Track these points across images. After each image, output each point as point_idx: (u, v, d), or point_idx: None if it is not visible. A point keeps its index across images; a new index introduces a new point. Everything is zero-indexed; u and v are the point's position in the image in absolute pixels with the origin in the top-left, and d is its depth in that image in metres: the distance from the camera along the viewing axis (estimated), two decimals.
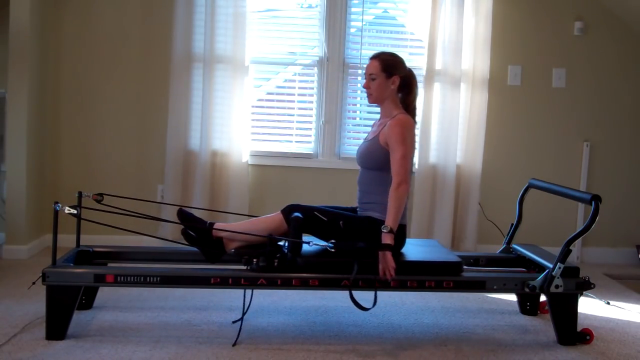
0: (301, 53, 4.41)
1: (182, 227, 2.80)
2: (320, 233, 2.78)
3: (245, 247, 2.79)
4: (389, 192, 2.72)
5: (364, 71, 4.30)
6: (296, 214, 2.73)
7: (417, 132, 4.32)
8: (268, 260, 2.67)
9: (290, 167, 4.37)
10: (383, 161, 2.79)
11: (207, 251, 2.80)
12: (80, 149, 4.25)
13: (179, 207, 2.87)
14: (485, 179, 4.38)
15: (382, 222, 2.75)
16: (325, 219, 2.75)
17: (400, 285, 2.71)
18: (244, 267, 2.71)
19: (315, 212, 2.76)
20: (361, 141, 4.36)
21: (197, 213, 4.03)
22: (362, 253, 2.67)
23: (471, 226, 4.34)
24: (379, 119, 2.97)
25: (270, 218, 2.81)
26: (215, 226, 2.80)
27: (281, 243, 2.80)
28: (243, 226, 2.81)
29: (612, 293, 3.69)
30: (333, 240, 2.65)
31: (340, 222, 2.76)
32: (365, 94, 2.92)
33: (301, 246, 2.71)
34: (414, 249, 2.96)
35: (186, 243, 2.82)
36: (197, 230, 2.79)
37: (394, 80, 2.84)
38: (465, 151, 4.35)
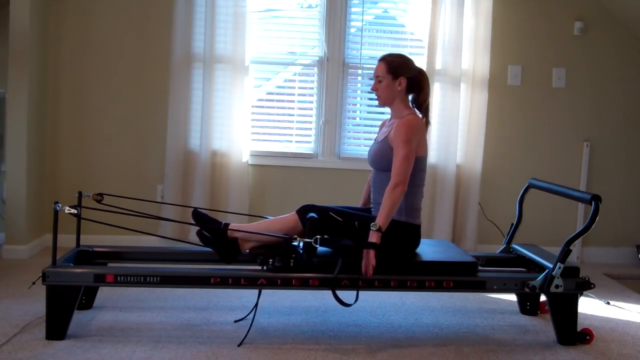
0: (301, 53, 4.41)
1: (196, 228, 2.81)
2: (335, 233, 2.76)
3: (261, 248, 2.79)
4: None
5: (364, 71, 4.37)
6: (311, 214, 2.73)
7: None
8: (284, 261, 2.67)
9: (290, 167, 4.37)
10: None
11: (222, 252, 2.80)
12: (80, 149, 4.25)
13: (193, 208, 2.86)
14: (485, 179, 4.38)
15: (397, 222, 2.76)
16: (341, 220, 2.75)
17: (400, 285, 2.71)
18: (260, 268, 2.70)
19: (331, 213, 2.76)
20: (361, 140, 4.44)
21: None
22: (347, 250, 2.66)
23: (471, 226, 4.34)
24: (390, 119, 2.97)
25: (286, 219, 2.81)
26: (230, 227, 2.80)
27: (295, 244, 2.80)
28: (258, 227, 2.81)
29: (612, 293, 3.69)
30: (318, 236, 2.63)
31: (356, 222, 2.75)
32: (375, 97, 2.92)
33: (317, 247, 2.71)
34: (428, 249, 2.97)
35: (201, 244, 2.82)
36: (212, 230, 2.79)
37: (400, 82, 2.84)
38: (465, 151, 4.36)
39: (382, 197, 2.80)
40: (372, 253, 2.61)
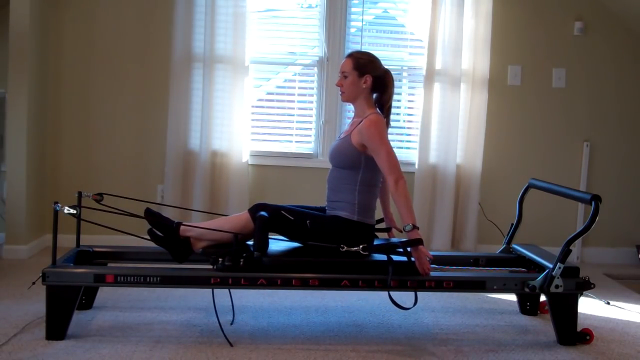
0: (301, 53, 4.41)
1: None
2: (287, 232, 2.79)
3: (213, 247, 2.78)
4: (356, 191, 2.75)
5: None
6: (262, 213, 2.72)
7: (417, 132, 4.34)
8: (234, 260, 2.66)
9: (290, 167, 4.37)
10: (353, 160, 2.78)
11: (174, 251, 2.78)
12: (80, 149, 4.25)
13: (146, 207, 2.84)
14: (485, 179, 4.38)
15: (350, 221, 2.77)
16: (292, 218, 2.74)
17: (400, 285, 2.71)
18: (212, 267, 2.69)
19: (282, 212, 2.75)
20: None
21: (199, 214, 4.06)
22: (395, 252, 2.70)
23: (471, 226, 4.34)
24: (353, 118, 2.97)
25: (237, 217, 2.80)
26: (182, 225, 2.79)
27: (249, 242, 2.79)
28: (210, 225, 2.80)
29: (612, 293, 3.69)
30: (365, 244, 2.68)
31: (308, 221, 2.75)
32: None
33: (267, 245, 2.70)
34: None
35: (152, 241, 2.79)
36: (164, 229, 2.77)
37: (365, 80, 2.83)
38: (465, 151, 4.36)
39: (337, 195, 2.83)
40: (422, 248, 2.65)
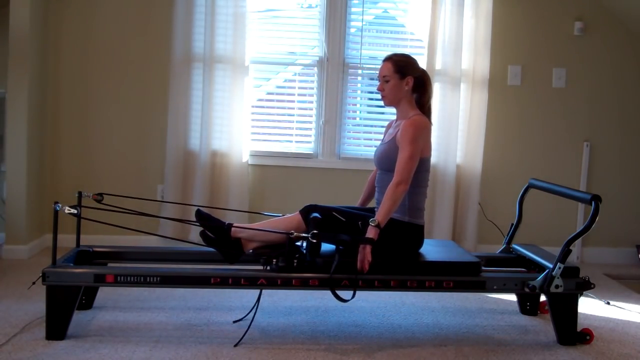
0: (301, 53, 4.40)
1: (199, 228, 2.81)
2: (339, 233, 2.78)
3: (264, 248, 2.78)
4: (407, 192, 2.73)
5: (364, 71, 4.37)
6: (315, 214, 2.72)
7: None
8: (287, 261, 2.66)
9: (290, 167, 4.37)
10: None
11: (225, 252, 2.79)
12: (80, 149, 4.25)
13: (197, 208, 2.85)
14: (485, 179, 4.38)
15: (401, 222, 2.76)
16: (344, 219, 2.75)
17: (400, 285, 2.71)
18: (263, 268, 2.70)
19: (334, 213, 2.76)
20: (361, 141, 4.44)
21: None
22: (344, 244, 2.65)
23: (471, 226, 4.34)
24: (395, 121, 2.97)
25: (289, 219, 2.81)
26: (233, 226, 2.80)
27: (299, 244, 2.79)
28: (262, 227, 2.80)
29: (612, 293, 3.69)
30: (314, 231, 2.63)
31: (359, 222, 2.74)
32: (378, 97, 2.91)
33: (320, 246, 2.70)
34: (431, 249, 2.97)
35: (204, 244, 2.81)
36: (215, 231, 2.78)
37: (407, 81, 2.84)
38: (465, 151, 4.36)
39: None
40: (368, 248, 2.61)
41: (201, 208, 2.89)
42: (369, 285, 2.69)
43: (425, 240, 2.93)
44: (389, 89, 2.85)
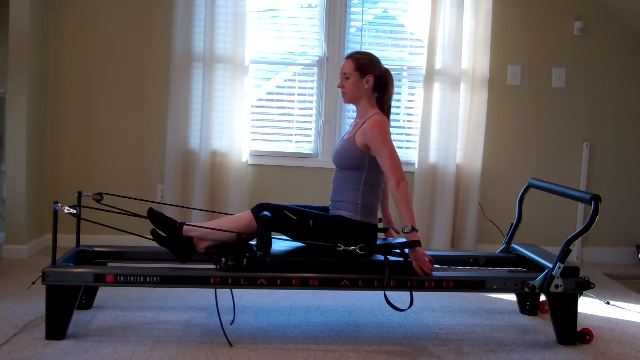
0: (301, 53, 4.41)
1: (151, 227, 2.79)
2: (290, 232, 2.79)
3: (216, 247, 2.78)
4: (360, 191, 2.75)
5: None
6: (265, 213, 2.72)
7: (417, 132, 4.34)
8: (237, 260, 2.66)
9: (290, 167, 4.37)
10: (357, 161, 2.79)
11: (177, 251, 2.78)
12: (80, 149, 4.25)
13: (149, 207, 2.84)
14: (485, 179, 4.38)
15: (353, 221, 2.77)
16: (295, 218, 2.75)
17: (400, 285, 2.71)
18: (216, 267, 2.69)
19: (285, 211, 2.75)
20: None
21: (199, 214, 4.07)
22: (394, 254, 2.68)
23: (471, 226, 4.34)
24: (355, 119, 2.97)
25: (241, 217, 2.80)
26: (185, 225, 2.79)
27: (252, 242, 2.79)
28: (213, 226, 2.80)
29: (612, 293, 3.69)
30: (362, 244, 2.66)
31: (311, 221, 2.75)
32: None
33: (270, 245, 2.70)
34: None
35: (155, 242, 2.79)
36: (167, 229, 2.78)
37: (367, 80, 2.84)
38: (465, 151, 4.36)
39: (340, 195, 2.83)
40: (419, 250, 2.64)
41: (151, 206, 2.87)
42: (369, 285, 2.68)
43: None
44: (349, 86, 2.85)
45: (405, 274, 2.68)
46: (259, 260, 2.68)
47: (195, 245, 2.79)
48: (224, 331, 2.67)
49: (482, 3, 4.25)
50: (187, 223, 2.82)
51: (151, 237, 2.78)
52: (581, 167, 4.49)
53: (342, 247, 2.69)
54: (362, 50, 2.93)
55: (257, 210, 2.76)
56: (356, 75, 2.83)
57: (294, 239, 2.81)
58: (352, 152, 2.80)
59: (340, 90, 2.90)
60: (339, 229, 2.75)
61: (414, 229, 2.64)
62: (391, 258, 2.68)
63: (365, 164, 2.79)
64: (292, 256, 2.75)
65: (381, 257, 2.71)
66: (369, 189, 2.81)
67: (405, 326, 2.98)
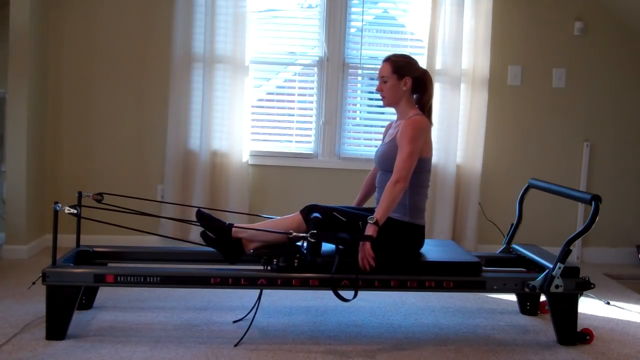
0: (301, 53, 4.41)
1: (200, 228, 2.81)
2: None
3: (265, 248, 2.78)
4: (407, 193, 2.74)
5: (364, 71, 4.37)
6: (315, 214, 2.72)
7: None
8: (288, 261, 2.67)
9: (290, 167, 4.37)
10: None
11: (226, 252, 2.80)
12: (80, 148, 4.25)
13: (197, 209, 2.86)
14: (485, 179, 4.38)
15: (401, 222, 2.77)
16: (344, 220, 2.75)
17: (400, 285, 2.71)
18: (264, 268, 2.70)
19: (335, 213, 2.76)
20: (361, 141, 4.44)
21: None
22: (344, 243, 2.64)
23: (471, 226, 4.34)
24: (396, 121, 2.97)
25: (290, 219, 2.81)
26: (234, 226, 2.80)
27: (300, 244, 2.79)
28: (262, 227, 2.81)
29: (612, 293, 3.69)
30: (313, 230, 2.63)
31: (360, 222, 2.74)
32: (378, 97, 2.91)
33: (321, 246, 2.70)
34: (432, 249, 2.96)
35: (204, 244, 2.81)
36: (216, 231, 2.79)
37: (405, 82, 2.84)
38: (465, 151, 4.36)
39: None
40: (367, 246, 2.60)
41: (202, 209, 2.89)
42: (369, 285, 2.69)
43: (426, 240, 2.93)
44: (387, 89, 2.86)
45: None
46: (310, 261, 2.68)
47: (243, 247, 2.80)
48: (246, 331, 2.69)
49: (482, 3, 4.25)
50: (236, 224, 2.83)
51: (201, 240, 2.78)
52: (581, 167, 4.49)
53: (293, 232, 2.66)
54: (399, 53, 2.92)
55: (306, 211, 2.77)
56: (393, 78, 2.84)
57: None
58: (395, 154, 2.78)
59: (379, 94, 2.90)
60: (388, 229, 2.72)
61: (376, 224, 2.63)
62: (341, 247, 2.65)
63: None
64: (342, 257, 2.68)
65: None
66: (416, 189, 2.80)
67: (405, 326, 2.98)
